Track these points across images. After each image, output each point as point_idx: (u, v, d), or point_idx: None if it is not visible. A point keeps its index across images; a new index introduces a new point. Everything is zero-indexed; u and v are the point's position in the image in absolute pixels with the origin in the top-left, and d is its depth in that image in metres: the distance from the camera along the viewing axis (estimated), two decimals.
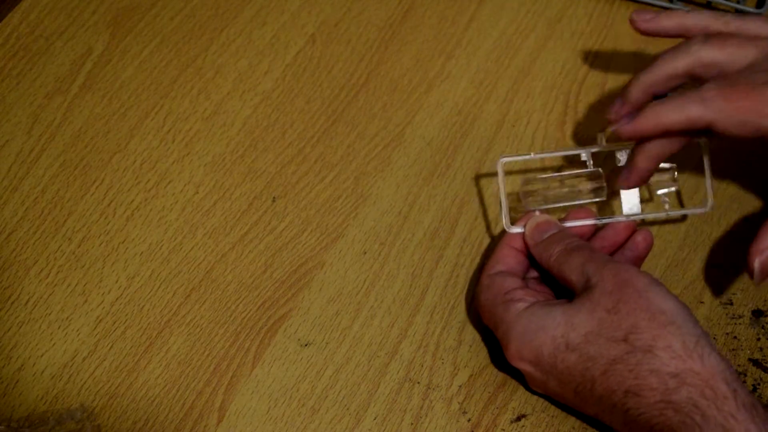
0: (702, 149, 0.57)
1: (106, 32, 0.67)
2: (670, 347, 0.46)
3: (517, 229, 0.55)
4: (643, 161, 0.54)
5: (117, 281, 0.58)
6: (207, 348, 0.56)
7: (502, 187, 0.56)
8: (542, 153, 0.58)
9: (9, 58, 0.66)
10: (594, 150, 0.57)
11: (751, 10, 0.68)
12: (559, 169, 0.62)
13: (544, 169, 0.62)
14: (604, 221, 0.56)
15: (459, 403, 0.54)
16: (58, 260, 0.58)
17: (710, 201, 0.56)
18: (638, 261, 0.55)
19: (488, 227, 0.60)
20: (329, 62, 0.67)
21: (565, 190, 0.57)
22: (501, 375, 0.55)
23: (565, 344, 0.48)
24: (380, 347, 0.56)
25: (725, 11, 0.69)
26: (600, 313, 0.48)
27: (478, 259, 0.59)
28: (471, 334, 0.57)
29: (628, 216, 0.56)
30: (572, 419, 0.54)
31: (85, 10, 0.68)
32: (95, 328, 0.56)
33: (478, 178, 0.61)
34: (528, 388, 0.54)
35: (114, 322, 0.56)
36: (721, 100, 0.50)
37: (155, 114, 0.64)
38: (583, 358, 0.48)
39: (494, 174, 0.61)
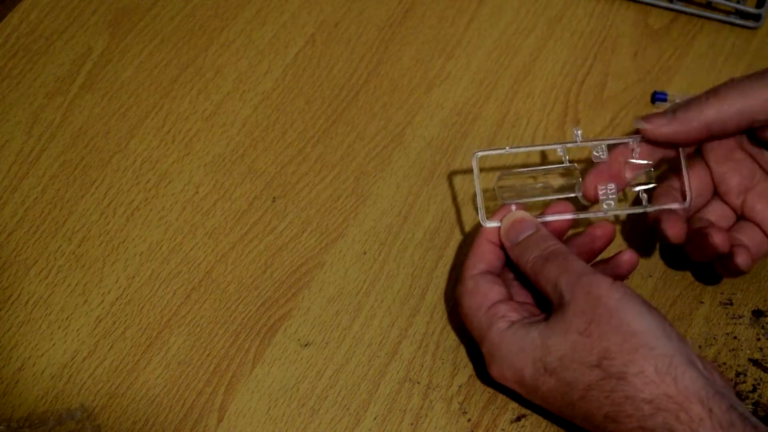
0: (680, 148, 0.56)
1: (106, 32, 0.67)
2: (643, 372, 0.45)
3: (493, 224, 0.54)
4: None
5: (117, 281, 0.58)
6: (207, 348, 0.56)
7: (477, 182, 0.55)
8: (517, 147, 0.58)
9: (9, 58, 0.66)
10: (569, 145, 0.56)
11: (752, 10, 0.68)
12: (540, 164, 0.62)
13: (524, 165, 0.62)
14: (582, 216, 0.55)
15: (459, 403, 0.54)
16: (58, 260, 0.58)
17: (689, 197, 0.56)
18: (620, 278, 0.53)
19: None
20: (329, 62, 0.67)
21: (539, 185, 0.56)
22: None
23: (543, 368, 0.48)
24: (380, 347, 0.56)
25: (725, 11, 0.69)
26: (573, 336, 0.47)
27: None
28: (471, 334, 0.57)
29: (606, 211, 0.55)
30: None
31: (85, 10, 0.68)
32: (95, 328, 0.56)
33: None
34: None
35: (114, 322, 0.56)
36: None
37: (155, 114, 0.64)
38: (561, 383, 0.48)
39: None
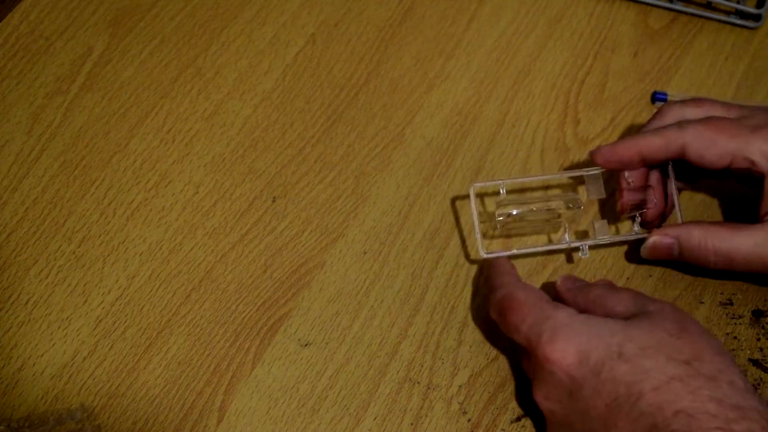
0: (669, 172, 0.57)
1: (106, 32, 0.67)
2: (734, 383, 0.45)
3: (491, 255, 0.56)
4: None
5: (117, 281, 0.58)
6: (207, 348, 0.56)
7: (475, 213, 0.56)
8: (513, 179, 0.59)
9: (9, 58, 0.66)
10: (567, 174, 0.57)
11: (752, 10, 0.68)
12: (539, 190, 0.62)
13: (530, 189, 0.62)
14: (574, 244, 0.57)
15: (459, 403, 0.54)
16: (58, 260, 0.58)
17: (680, 220, 0.57)
18: None
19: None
20: (329, 62, 0.67)
21: (542, 216, 0.57)
22: (501, 375, 0.55)
23: (618, 353, 0.47)
24: (380, 347, 0.56)
25: (726, 11, 0.69)
26: (660, 334, 0.47)
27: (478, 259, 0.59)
28: (471, 334, 0.57)
29: (596, 241, 0.57)
30: None
31: (85, 10, 0.68)
32: (95, 328, 0.56)
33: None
34: (528, 396, 0.54)
35: (114, 322, 0.56)
36: (700, 125, 0.54)
37: (155, 114, 0.64)
38: (635, 369, 0.46)
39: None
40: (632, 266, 0.59)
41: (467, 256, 0.59)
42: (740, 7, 0.68)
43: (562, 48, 0.68)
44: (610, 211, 0.61)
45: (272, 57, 0.67)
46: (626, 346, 0.47)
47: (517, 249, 0.57)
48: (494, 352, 0.56)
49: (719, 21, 0.69)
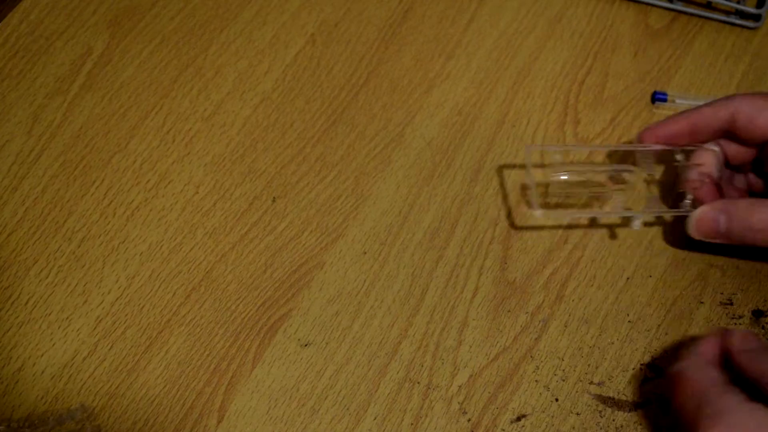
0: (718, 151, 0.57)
1: (106, 32, 0.67)
2: None
3: (541, 212, 0.54)
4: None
5: (117, 281, 0.58)
6: (207, 348, 0.56)
7: (530, 171, 0.55)
8: (565, 146, 0.59)
9: (9, 58, 0.66)
10: (622, 148, 0.57)
11: (752, 10, 0.68)
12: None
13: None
14: (628, 214, 0.57)
15: (459, 403, 0.54)
16: (58, 260, 0.58)
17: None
18: None
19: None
20: (329, 62, 0.67)
21: (592, 187, 0.57)
22: (501, 375, 0.55)
23: None
24: (380, 347, 0.56)
25: (726, 11, 0.69)
26: None
27: (478, 259, 0.59)
28: (471, 334, 0.57)
29: (649, 212, 0.57)
30: (572, 419, 0.54)
31: (85, 10, 0.68)
32: (95, 328, 0.56)
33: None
34: (528, 396, 0.54)
35: (114, 322, 0.56)
36: (749, 94, 0.54)
37: (155, 114, 0.64)
38: None
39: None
40: (632, 266, 0.59)
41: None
42: (740, 7, 0.68)
43: (562, 48, 0.68)
44: (662, 190, 0.60)
45: (272, 57, 0.67)
46: None
47: (571, 213, 0.57)
48: (494, 352, 0.56)
49: (719, 21, 0.69)
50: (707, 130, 0.56)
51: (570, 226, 0.60)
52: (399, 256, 0.59)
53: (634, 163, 0.57)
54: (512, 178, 0.62)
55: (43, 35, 0.67)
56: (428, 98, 0.65)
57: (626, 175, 0.57)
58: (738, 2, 0.68)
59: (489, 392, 0.55)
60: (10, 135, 0.63)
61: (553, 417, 0.54)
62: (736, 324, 0.57)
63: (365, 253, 0.59)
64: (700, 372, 0.49)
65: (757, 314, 0.58)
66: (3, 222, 0.59)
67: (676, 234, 0.60)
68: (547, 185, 0.56)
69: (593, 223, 0.59)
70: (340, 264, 0.59)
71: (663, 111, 0.65)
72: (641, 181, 0.59)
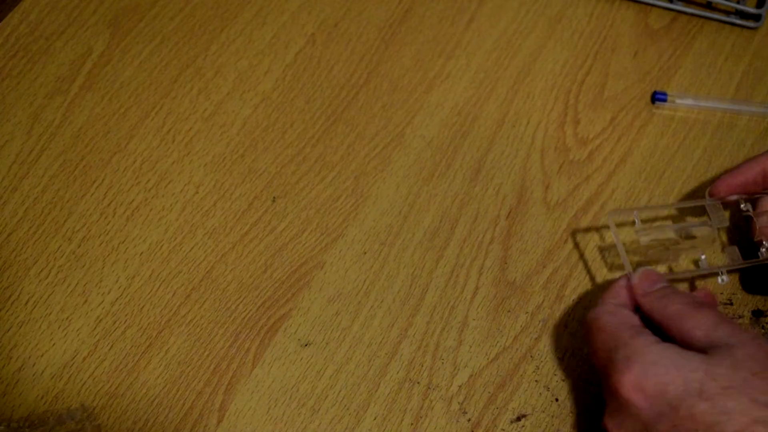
0: None
1: (106, 32, 0.67)
2: None
3: (636, 279, 0.53)
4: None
5: (117, 281, 0.58)
6: (207, 348, 0.56)
7: (617, 239, 0.55)
8: (641, 207, 0.59)
9: (9, 58, 0.66)
10: (707, 203, 0.57)
11: (752, 10, 0.68)
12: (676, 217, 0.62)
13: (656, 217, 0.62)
14: (713, 270, 0.57)
15: (459, 403, 0.54)
16: (58, 260, 0.58)
17: None
18: None
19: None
20: (329, 62, 0.67)
21: (678, 243, 0.57)
22: (501, 375, 0.55)
23: (698, 391, 0.45)
24: (380, 347, 0.56)
25: (726, 11, 0.69)
26: (744, 373, 0.45)
27: (478, 259, 0.59)
28: (471, 334, 0.57)
29: (733, 266, 0.56)
30: (572, 419, 0.54)
31: (85, 10, 0.68)
32: (95, 328, 0.56)
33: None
34: (528, 396, 0.54)
35: (114, 322, 0.56)
36: None
37: (155, 114, 0.64)
38: (716, 409, 0.45)
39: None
40: (632, 266, 0.59)
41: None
42: (740, 7, 0.68)
43: (562, 48, 0.68)
44: (734, 239, 0.60)
45: (272, 57, 0.67)
46: (707, 383, 0.45)
47: (665, 274, 0.56)
48: (494, 352, 0.56)
49: (719, 21, 0.69)
50: None
51: (572, 231, 0.60)
52: (399, 256, 0.59)
53: (704, 215, 0.58)
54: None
55: (43, 35, 0.67)
56: (428, 98, 0.65)
57: (702, 230, 0.57)
58: (738, 2, 0.68)
59: (489, 392, 0.55)
60: (10, 135, 0.62)
61: (553, 417, 0.54)
62: None
63: (365, 253, 0.59)
64: (612, 316, 0.50)
65: (757, 314, 0.58)
66: (3, 222, 0.59)
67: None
68: (627, 246, 0.56)
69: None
70: (340, 264, 0.59)
71: (663, 111, 0.65)
72: (717, 234, 0.58)
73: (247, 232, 0.60)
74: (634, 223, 0.57)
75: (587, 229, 0.61)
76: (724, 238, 0.60)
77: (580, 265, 0.59)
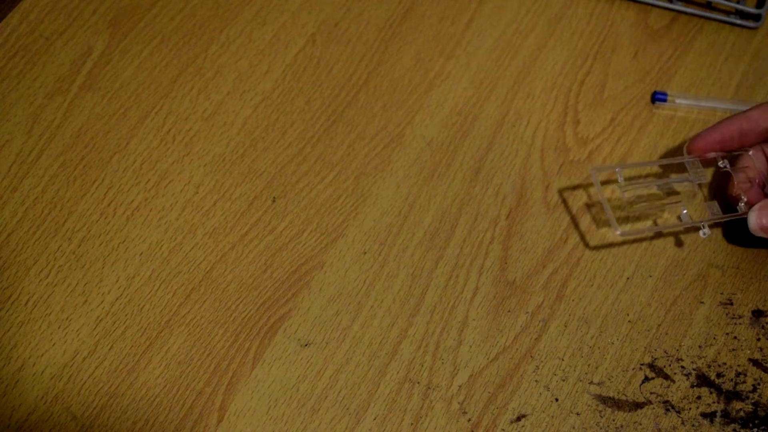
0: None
1: (106, 32, 0.67)
2: None
3: (624, 230, 0.58)
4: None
5: (117, 281, 0.58)
6: (207, 348, 0.56)
7: (602, 194, 0.58)
8: (624, 165, 0.61)
9: (9, 58, 0.66)
10: (686, 160, 0.59)
11: (752, 10, 0.68)
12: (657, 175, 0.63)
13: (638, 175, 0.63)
14: (693, 224, 0.59)
15: (459, 403, 0.54)
16: (58, 260, 0.58)
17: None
18: None
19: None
20: (329, 62, 0.67)
21: (662, 198, 0.60)
22: (501, 375, 0.55)
23: None
24: (380, 347, 0.56)
25: (726, 11, 0.69)
26: None
27: (478, 259, 0.59)
28: (471, 334, 0.57)
29: (714, 219, 0.59)
30: (572, 419, 0.54)
31: (85, 10, 0.68)
32: (95, 328, 0.56)
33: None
34: (528, 396, 0.54)
35: (114, 322, 0.56)
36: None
37: (155, 114, 0.64)
38: None
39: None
40: (632, 266, 0.59)
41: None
42: (740, 7, 0.68)
43: (562, 48, 0.68)
44: (715, 195, 0.62)
45: (272, 57, 0.67)
46: None
47: (648, 228, 0.60)
48: (494, 352, 0.56)
49: (719, 21, 0.69)
50: (754, 134, 0.58)
51: (559, 189, 0.60)
52: (399, 256, 0.59)
53: (684, 173, 0.60)
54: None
55: (43, 35, 0.67)
56: (428, 98, 0.65)
57: (684, 185, 0.60)
58: (738, 2, 0.68)
59: (489, 392, 0.55)
60: (10, 135, 0.62)
61: (553, 417, 0.54)
62: (736, 324, 0.57)
63: (365, 253, 0.59)
64: None
65: (757, 314, 0.58)
66: (3, 222, 0.59)
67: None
68: (627, 195, 0.59)
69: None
70: (340, 264, 0.59)
71: (663, 111, 0.65)
72: (697, 189, 0.61)
73: (247, 232, 0.60)
74: (617, 180, 0.59)
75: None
76: (706, 193, 0.62)
77: (581, 265, 0.59)
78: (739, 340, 0.57)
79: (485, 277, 0.59)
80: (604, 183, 0.62)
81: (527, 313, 0.58)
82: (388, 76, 0.66)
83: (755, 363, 0.56)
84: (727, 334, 0.57)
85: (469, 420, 0.54)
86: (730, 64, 0.67)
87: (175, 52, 0.66)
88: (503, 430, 0.54)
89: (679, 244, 0.60)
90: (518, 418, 0.54)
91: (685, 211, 0.59)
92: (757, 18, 0.68)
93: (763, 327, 0.57)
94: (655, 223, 0.61)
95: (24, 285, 0.57)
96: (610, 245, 0.60)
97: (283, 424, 0.54)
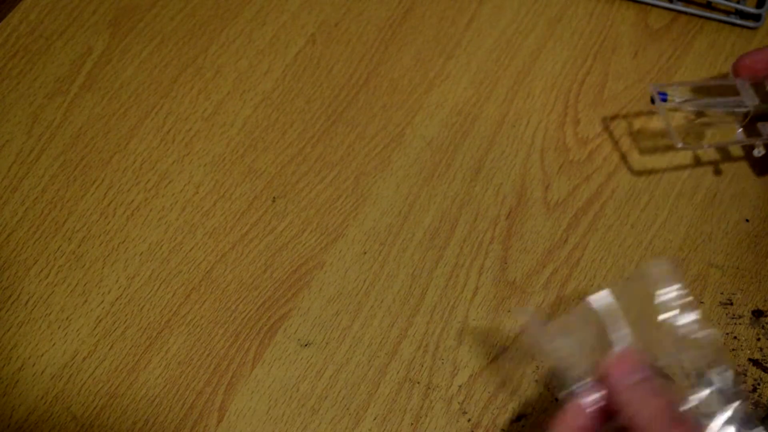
0: None
1: (106, 32, 0.67)
2: None
3: (681, 144, 0.59)
4: None
5: (117, 281, 0.58)
6: (207, 348, 0.56)
7: (661, 108, 0.59)
8: (678, 83, 0.63)
9: (9, 58, 0.66)
10: (738, 82, 0.61)
11: (752, 10, 0.68)
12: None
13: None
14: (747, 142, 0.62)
15: (459, 403, 0.54)
16: (58, 260, 0.58)
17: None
18: None
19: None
20: (329, 62, 0.67)
21: (718, 117, 0.62)
22: (501, 375, 0.55)
23: None
24: (380, 347, 0.56)
25: (726, 11, 0.69)
26: None
27: (478, 259, 0.59)
28: (471, 334, 0.57)
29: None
30: None
31: (85, 10, 0.68)
32: (95, 328, 0.56)
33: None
34: (528, 396, 0.54)
35: (114, 322, 0.56)
36: None
37: (155, 114, 0.64)
38: None
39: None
40: (632, 266, 0.59)
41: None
42: (740, 7, 0.68)
43: (562, 48, 0.68)
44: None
45: (272, 57, 0.67)
46: None
47: (699, 146, 0.62)
48: (494, 352, 0.56)
49: (719, 21, 0.69)
50: None
51: (575, 226, 0.60)
52: (399, 256, 0.59)
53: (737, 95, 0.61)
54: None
55: (43, 35, 0.67)
56: (428, 98, 0.65)
57: (739, 108, 0.61)
58: (738, 2, 0.68)
59: (489, 392, 0.55)
60: (10, 135, 0.63)
61: (553, 417, 0.54)
62: (736, 324, 0.57)
63: (365, 253, 0.59)
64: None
65: (757, 314, 0.58)
66: (3, 222, 0.59)
67: (677, 234, 0.60)
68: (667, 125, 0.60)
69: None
70: (340, 264, 0.59)
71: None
72: (751, 109, 0.61)
73: (247, 232, 0.60)
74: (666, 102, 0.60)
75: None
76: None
77: (581, 265, 0.59)
78: (739, 340, 0.57)
79: (485, 277, 0.59)
80: (650, 113, 0.63)
81: (527, 313, 0.58)
82: (388, 76, 0.66)
83: (755, 363, 0.56)
84: (727, 334, 0.57)
85: (469, 420, 0.54)
86: (730, 64, 0.67)
87: (175, 52, 0.67)
88: (503, 430, 0.54)
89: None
90: (518, 418, 0.54)
91: (740, 130, 0.61)
92: (757, 18, 0.68)
93: (763, 327, 0.57)
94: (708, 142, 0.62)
95: (24, 285, 0.57)
96: (610, 245, 0.60)
97: (283, 424, 0.54)
